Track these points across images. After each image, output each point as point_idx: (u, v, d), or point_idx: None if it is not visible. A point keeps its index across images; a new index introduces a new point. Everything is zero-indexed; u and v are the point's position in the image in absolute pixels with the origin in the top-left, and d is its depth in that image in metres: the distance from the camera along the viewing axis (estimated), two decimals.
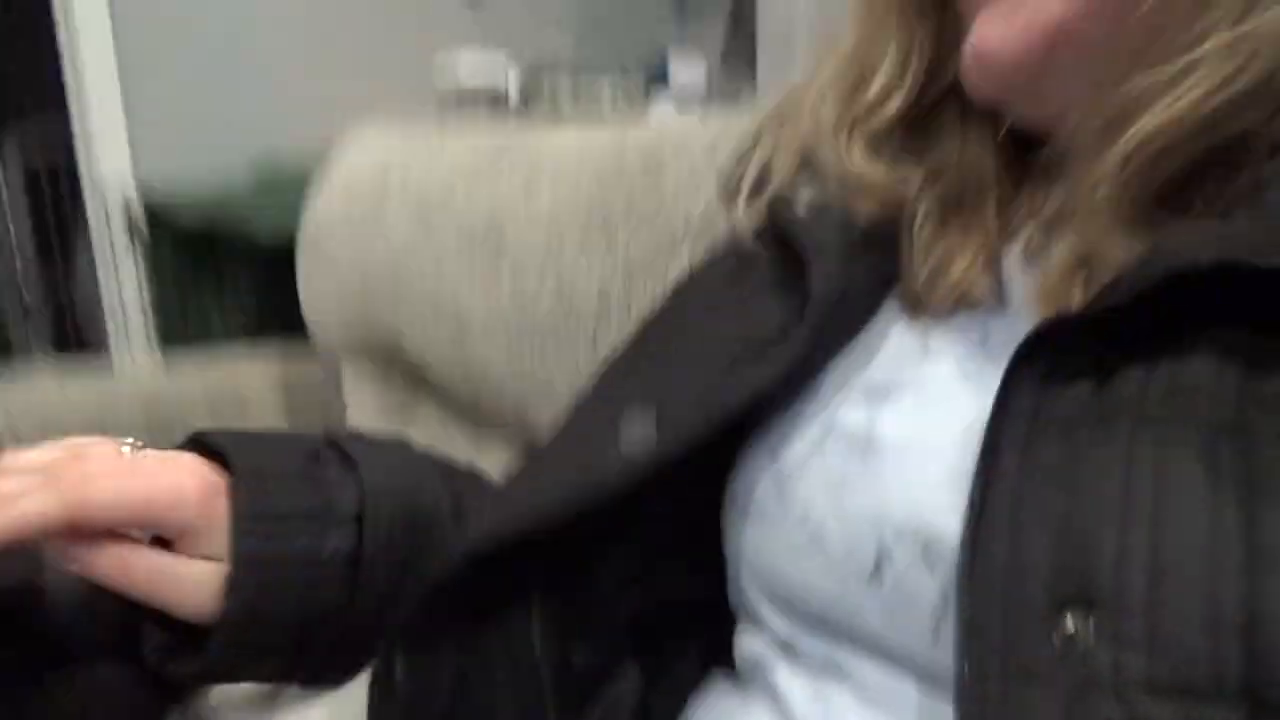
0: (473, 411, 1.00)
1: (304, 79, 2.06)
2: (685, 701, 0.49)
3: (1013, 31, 0.41)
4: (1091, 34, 0.39)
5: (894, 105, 0.48)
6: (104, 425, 1.02)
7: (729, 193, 0.53)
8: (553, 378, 0.84)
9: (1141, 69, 0.36)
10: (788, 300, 0.46)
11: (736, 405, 0.42)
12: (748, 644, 0.46)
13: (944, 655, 0.34)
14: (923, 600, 0.36)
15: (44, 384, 1.04)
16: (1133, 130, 0.36)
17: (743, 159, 0.53)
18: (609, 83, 2.20)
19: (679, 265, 0.73)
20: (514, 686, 0.46)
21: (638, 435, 0.43)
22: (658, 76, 2.31)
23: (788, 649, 0.43)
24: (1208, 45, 0.34)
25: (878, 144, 0.48)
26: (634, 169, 0.80)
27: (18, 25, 2.46)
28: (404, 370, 1.10)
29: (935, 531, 0.36)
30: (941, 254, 0.45)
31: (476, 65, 1.99)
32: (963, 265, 0.44)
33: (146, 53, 1.88)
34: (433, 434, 1.06)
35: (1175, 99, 0.35)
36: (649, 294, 0.76)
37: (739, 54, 2.23)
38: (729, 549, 0.46)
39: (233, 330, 1.87)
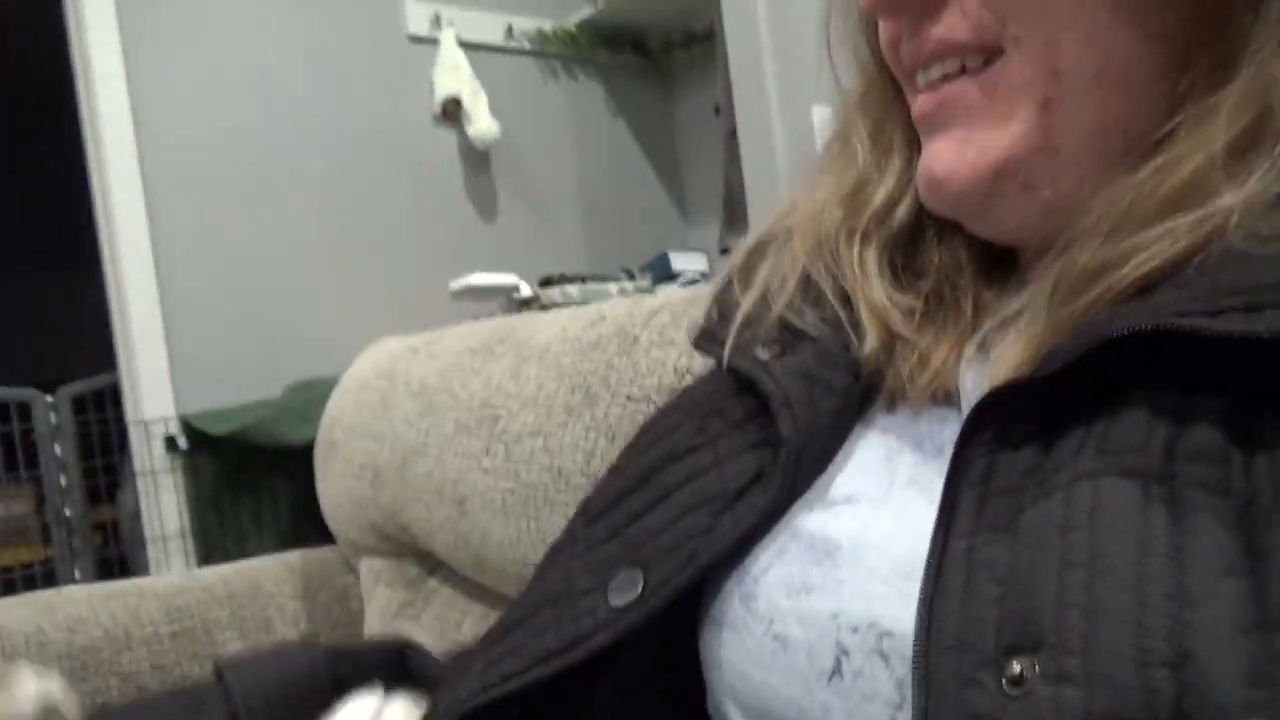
0: (478, 582, 1.03)
1: (332, 310, 2.21)
2: None
3: (962, 163, 0.44)
4: (1037, 169, 0.43)
5: (901, 213, 0.50)
6: (129, 623, 1.06)
7: (709, 331, 0.54)
8: (548, 538, 0.87)
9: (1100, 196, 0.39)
10: (760, 441, 0.47)
11: (719, 553, 0.44)
12: None
13: None
14: (880, 695, 0.37)
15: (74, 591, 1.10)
16: (1105, 285, 0.38)
17: (721, 296, 0.55)
18: (617, 287, 2.32)
19: None
20: None
21: (627, 597, 0.44)
22: (662, 276, 2.42)
23: None
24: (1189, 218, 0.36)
25: (883, 262, 0.50)
26: (609, 341, 0.88)
27: (73, 278, 2.65)
28: (415, 556, 1.14)
29: (889, 625, 0.37)
30: (922, 349, 0.47)
31: (491, 283, 2.13)
32: (939, 360, 0.46)
33: (186, 290, 2.04)
34: (445, 611, 1.09)
35: (1150, 258, 0.37)
36: None
37: (734, 241, 2.33)
38: (704, 662, 0.47)
39: (269, 545, 1.93)
